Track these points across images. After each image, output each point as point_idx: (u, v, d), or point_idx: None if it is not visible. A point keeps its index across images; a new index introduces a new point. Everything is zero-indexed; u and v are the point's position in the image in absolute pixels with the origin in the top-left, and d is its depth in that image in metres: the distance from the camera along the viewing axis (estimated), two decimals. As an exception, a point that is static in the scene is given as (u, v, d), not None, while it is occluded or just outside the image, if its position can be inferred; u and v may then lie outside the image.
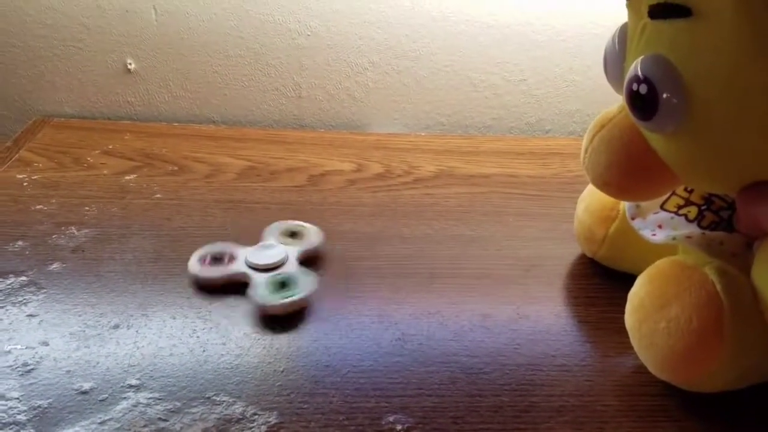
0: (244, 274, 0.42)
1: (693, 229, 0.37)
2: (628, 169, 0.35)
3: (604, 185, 0.37)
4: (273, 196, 0.54)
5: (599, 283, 0.45)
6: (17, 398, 0.33)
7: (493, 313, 0.42)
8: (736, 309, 0.31)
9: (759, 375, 0.35)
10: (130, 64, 0.67)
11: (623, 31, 0.33)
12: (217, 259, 0.43)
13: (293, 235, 0.47)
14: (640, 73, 0.30)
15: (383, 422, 0.33)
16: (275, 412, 0.33)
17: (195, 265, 0.43)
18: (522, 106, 0.71)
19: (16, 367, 0.35)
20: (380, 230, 0.51)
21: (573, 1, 0.66)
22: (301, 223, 0.48)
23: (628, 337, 0.36)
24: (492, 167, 0.62)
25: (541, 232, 0.52)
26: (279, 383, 0.35)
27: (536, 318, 0.42)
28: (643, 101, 0.30)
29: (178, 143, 0.62)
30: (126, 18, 0.65)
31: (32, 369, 0.35)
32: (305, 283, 0.41)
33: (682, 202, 0.39)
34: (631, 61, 0.31)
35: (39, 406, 0.33)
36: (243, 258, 0.43)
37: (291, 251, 0.44)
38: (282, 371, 0.36)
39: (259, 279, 0.42)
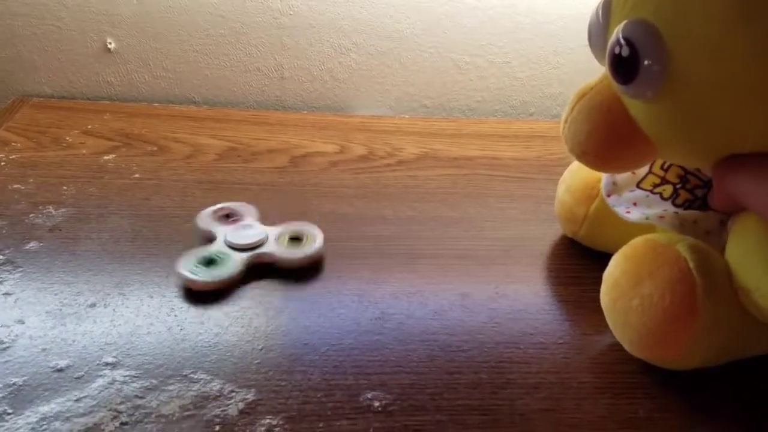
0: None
1: (667, 207, 0.38)
2: (608, 138, 0.35)
3: (582, 154, 0.37)
4: (254, 177, 0.54)
5: (579, 262, 0.45)
6: (-8, 376, 0.33)
7: (472, 293, 0.42)
8: (708, 286, 0.32)
9: (734, 352, 0.35)
10: (110, 43, 0.66)
11: (607, 3, 0.33)
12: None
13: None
14: (622, 36, 0.30)
15: (361, 399, 0.33)
16: (253, 390, 0.33)
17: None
18: (506, 89, 0.71)
19: (-9, 345, 0.35)
20: (362, 212, 0.50)
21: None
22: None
23: (605, 316, 0.36)
24: (475, 149, 0.62)
25: (522, 213, 0.52)
26: (257, 361, 0.35)
27: (515, 297, 0.42)
28: (624, 64, 0.30)
29: (158, 123, 0.61)
30: (106, -4, 0.64)
31: (8, 347, 0.35)
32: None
33: (658, 180, 0.39)
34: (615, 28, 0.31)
35: (14, 384, 0.33)
36: (221, 239, 0.43)
37: (270, 230, 0.44)
38: (261, 349, 0.36)
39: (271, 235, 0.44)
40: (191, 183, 0.52)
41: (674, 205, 0.38)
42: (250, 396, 0.33)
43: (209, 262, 0.41)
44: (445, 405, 0.33)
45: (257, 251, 0.42)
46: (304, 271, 0.42)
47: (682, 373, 0.36)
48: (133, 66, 0.67)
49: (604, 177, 0.42)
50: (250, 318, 0.38)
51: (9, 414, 0.31)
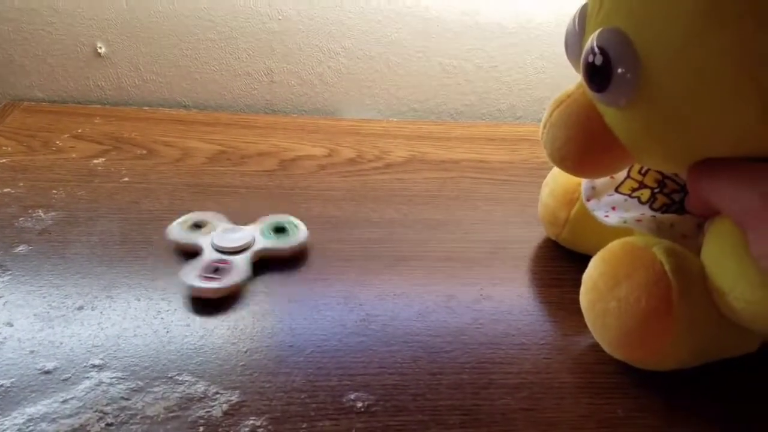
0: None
1: (645, 211, 0.38)
2: (585, 145, 0.36)
3: (561, 160, 0.37)
4: (243, 180, 0.55)
5: (562, 265, 0.46)
6: (-21, 378, 0.34)
7: (457, 294, 0.43)
8: (684, 288, 0.32)
9: (710, 353, 0.36)
10: (100, 47, 0.67)
11: (583, 11, 0.34)
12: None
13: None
14: (595, 44, 0.31)
15: (344, 400, 0.34)
16: (237, 391, 0.34)
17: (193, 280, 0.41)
18: (493, 93, 0.72)
19: (-21, 348, 0.35)
20: (350, 214, 0.51)
21: (544, -12, 0.67)
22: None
23: (586, 317, 0.37)
24: (462, 153, 0.62)
25: (508, 216, 0.52)
26: (242, 363, 0.36)
27: (499, 299, 0.42)
28: (598, 72, 0.31)
29: (148, 127, 0.62)
30: (96, 1, 0.64)
31: (-5, 349, 0.35)
32: (299, 230, 0.45)
33: (636, 185, 0.40)
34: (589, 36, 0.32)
35: (1, 386, 0.33)
36: (209, 243, 0.43)
37: (256, 231, 0.45)
38: (245, 351, 0.37)
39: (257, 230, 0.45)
40: (180, 186, 0.53)
41: (652, 209, 0.39)
42: (235, 397, 0.33)
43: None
44: (427, 405, 0.34)
45: (254, 249, 0.43)
46: (291, 272, 0.43)
47: (660, 374, 0.36)
48: (123, 70, 0.68)
49: (583, 182, 0.42)
50: (236, 320, 0.39)
51: (-4, 415, 0.31)
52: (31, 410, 0.32)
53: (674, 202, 0.38)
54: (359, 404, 0.34)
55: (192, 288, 0.40)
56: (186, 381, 0.34)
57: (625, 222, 0.38)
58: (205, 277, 0.40)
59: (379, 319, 0.40)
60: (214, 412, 0.32)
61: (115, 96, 0.69)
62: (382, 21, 0.67)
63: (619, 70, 0.30)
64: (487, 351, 0.38)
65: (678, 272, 0.32)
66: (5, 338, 0.36)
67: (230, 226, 0.45)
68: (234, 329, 0.38)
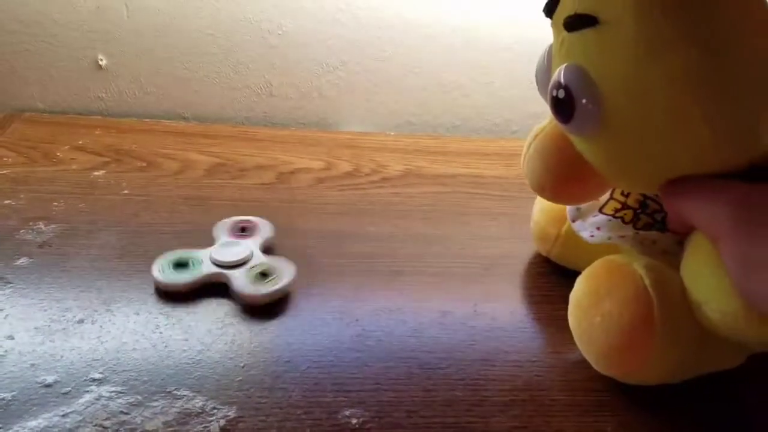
0: (219, 274, 0.43)
1: (628, 231, 0.40)
2: (560, 174, 0.38)
3: (540, 190, 0.40)
4: (242, 193, 0.55)
5: (554, 281, 0.47)
6: (-19, 391, 0.34)
7: (452, 310, 0.43)
8: (664, 302, 0.33)
9: (696, 367, 0.36)
10: (101, 59, 0.67)
11: (551, 49, 0.35)
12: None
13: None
14: (558, 79, 0.32)
15: (340, 416, 0.35)
16: (234, 407, 0.34)
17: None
18: (489, 107, 0.73)
19: (-19, 361, 0.36)
20: (346, 228, 0.52)
21: (540, 4, 0.68)
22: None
23: (576, 335, 0.37)
24: (458, 167, 0.63)
25: (502, 231, 0.53)
26: (239, 378, 0.36)
27: (493, 315, 0.43)
28: (561, 105, 0.32)
29: (148, 139, 0.63)
30: (97, 14, 0.65)
31: (-3, 362, 0.36)
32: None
33: (619, 206, 0.41)
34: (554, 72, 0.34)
35: (2, 399, 0.34)
36: (207, 258, 0.44)
37: (254, 246, 0.45)
38: (243, 367, 0.37)
39: (236, 273, 0.43)
40: (179, 199, 0.53)
41: (635, 228, 0.40)
42: (232, 413, 0.34)
43: (179, 265, 0.43)
44: (421, 422, 0.35)
45: (225, 271, 0.43)
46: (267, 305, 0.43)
47: (648, 392, 0.37)
48: (123, 82, 0.69)
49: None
50: (233, 335, 0.39)
51: (-3, 429, 0.32)
52: (32, 423, 0.33)
53: (656, 222, 0.40)
54: (354, 421, 0.34)
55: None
56: (184, 396, 0.35)
57: (609, 239, 0.40)
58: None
59: (375, 334, 0.41)
60: (211, 427, 0.33)
61: (116, 108, 0.70)
62: (380, 36, 0.68)
63: (583, 101, 0.31)
64: (481, 368, 0.39)
65: (658, 286, 0.33)
66: (6, 351, 0.37)
67: (240, 241, 0.46)
68: (231, 344, 0.39)
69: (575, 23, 0.31)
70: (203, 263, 0.43)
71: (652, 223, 0.39)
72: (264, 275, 0.43)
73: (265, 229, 0.48)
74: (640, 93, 0.30)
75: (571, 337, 0.38)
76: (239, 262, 0.44)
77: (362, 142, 0.67)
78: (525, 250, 0.50)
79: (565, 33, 0.33)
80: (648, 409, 0.37)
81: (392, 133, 0.71)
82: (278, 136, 0.66)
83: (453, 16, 0.68)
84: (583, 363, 0.38)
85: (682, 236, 0.36)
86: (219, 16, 0.66)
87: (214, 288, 0.43)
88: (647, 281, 0.34)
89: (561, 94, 0.32)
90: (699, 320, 0.33)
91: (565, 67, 0.32)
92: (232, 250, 0.44)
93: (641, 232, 0.39)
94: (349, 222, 0.53)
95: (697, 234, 0.33)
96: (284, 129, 0.70)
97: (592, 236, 0.41)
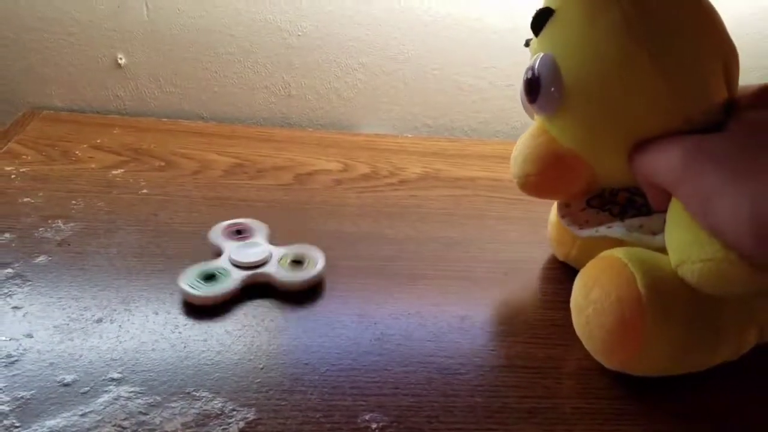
0: (254, 275, 0.43)
1: (615, 221, 0.42)
2: (542, 172, 0.41)
3: (524, 185, 0.42)
4: (259, 194, 0.55)
5: (572, 286, 0.46)
6: (0, 389, 0.34)
7: (471, 315, 0.43)
8: (646, 277, 0.34)
9: (692, 355, 0.36)
10: (120, 58, 0.68)
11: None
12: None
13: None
14: (533, 65, 0.38)
15: (359, 420, 0.34)
16: (253, 409, 0.34)
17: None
18: (508, 111, 0.73)
19: (0, 359, 0.36)
20: (364, 231, 0.51)
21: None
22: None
23: (598, 341, 0.37)
24: (476, 170, 0.63)
25: (520, 235, 0.53)
26: (258, 380, 0.36)
27: (512, 320, 0.43)
28: (531, 87, 0.38)
29: (167, 139, 0.63)
30: (118, 13, 0.65)
31: (16, 360, 0.36)
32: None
33: (606, 202, 0.44)
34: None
35: (22, 397, 0.34)
36: (229, 263, 0.44)
37: (274, 249, 0.45)
38: (261, 368, 0.37)
39: (270, 269, 0.43)
40: (198, 199, 0.53)
41: (622, 221, 0.41)
42: (251, 415, 0.34)
43: (209, 277, 0.42)
44: (441, 428, 0.34)
45: (258, 270, 0.43)
46: (306, 291, 0.43)
47: (669, 399, 0.37)
48: (142, 81, 0.69)
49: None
50: (252, 337, 0.39)
51: (17, 427, 0.32)
52: (51, 423, 0.32)
53: (643, 215, 0.41)
54: (374, 425, 0.34)
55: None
56: (203, 397, 0.35)
57: (596, 231, 0.42)
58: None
59: (394, 338, 0.40)
60: (231, 429, 0.33)
61: (135, 107, 0.70)
62: (399, 38, 0.68)
63: (551, 90, 0.37)
64: (501, 374, 0.38)
65: (638, 265, 0.35)
66: (25, 350, 0.37)
67: (259, 240, 0.46)
68: (250, 345, 0.39)
69: (539, 20, 0.37)
70: (231, 272, 0.43)
71: (639, 216, 0.41)
72: (297, 263, 0.44)
73: (260, 228, 0.48)
74: (593, 56, 0.34)
75: (590, 344, 0.38)
76: (261, 262, 0.43)
77: (380, 144, 0.66)
78: (543, 255, 0.50)
79: (534, 39, 0.39)
80: (669, 418, 0.36)
81: (410, 136, 0.71)
82: (296, 137, 0.66)
83: (471, 19, 0.68)
84: (602, 370, 0.38)
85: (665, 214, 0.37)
86: (239, 17, 0.66)
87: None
88: (626, 260, 0.35)
89: (529, 74, 0.38)
90: (688, 282, 0.34)
91: (542, 56, 0.37)
92: (248, 251, 0.44)
93: (627, 220, 0.41)
94: (367, 224, 0.52)
95: (673, 201, 0.34)
96: (302, 130, 0.70)
97: (581, 229, 0.43)
